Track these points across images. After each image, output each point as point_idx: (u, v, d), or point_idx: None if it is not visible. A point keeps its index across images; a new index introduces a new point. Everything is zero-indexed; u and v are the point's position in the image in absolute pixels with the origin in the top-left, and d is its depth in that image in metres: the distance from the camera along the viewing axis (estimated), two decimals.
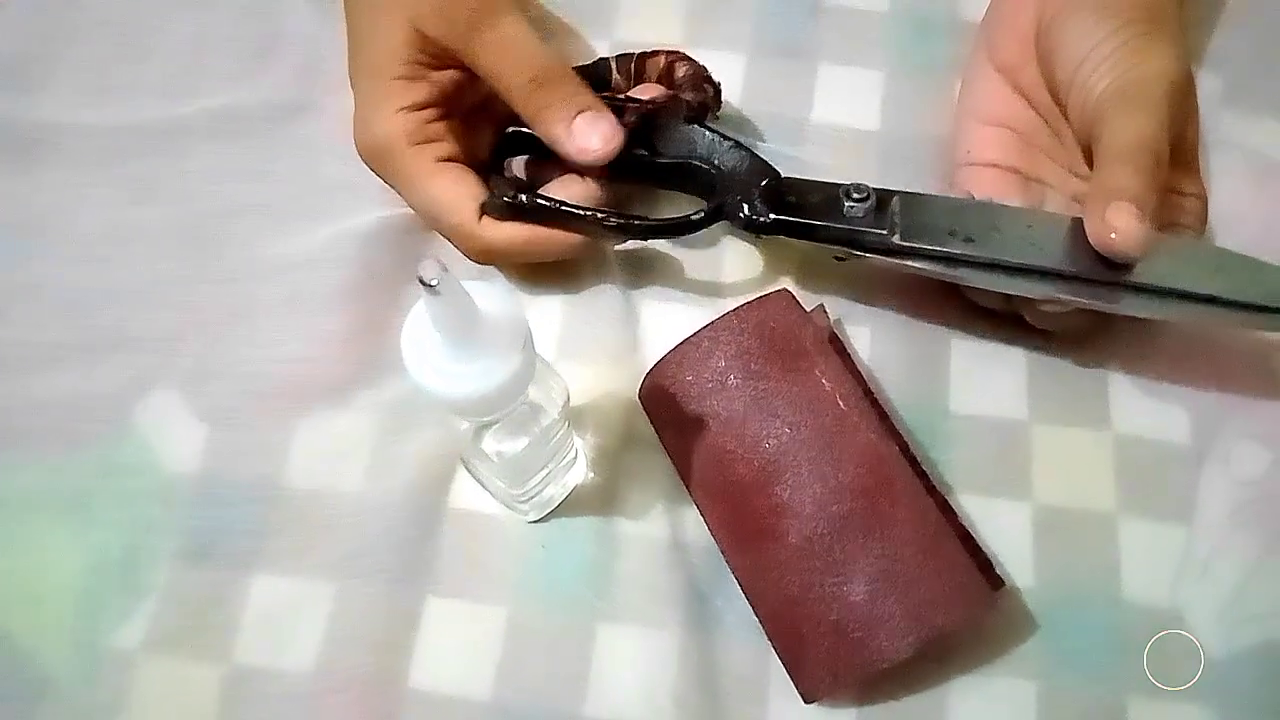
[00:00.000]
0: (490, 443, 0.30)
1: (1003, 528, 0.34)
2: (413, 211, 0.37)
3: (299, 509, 0.34)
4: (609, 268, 0.38)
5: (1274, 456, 0.35)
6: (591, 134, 0.33)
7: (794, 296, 0.34)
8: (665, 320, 0.37)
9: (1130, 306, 0.33)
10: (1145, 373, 0.37)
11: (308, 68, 0.42)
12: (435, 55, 0.34)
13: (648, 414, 0.35)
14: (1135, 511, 0.35)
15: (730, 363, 0.32)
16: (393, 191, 0.37)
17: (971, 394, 0.37)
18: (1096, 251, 0.32)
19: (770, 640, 0.32)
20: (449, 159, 0.35)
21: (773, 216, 0.34)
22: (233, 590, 0.33)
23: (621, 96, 0.37)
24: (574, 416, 0.35)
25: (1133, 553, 0.34)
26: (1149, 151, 0.31)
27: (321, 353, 0.37)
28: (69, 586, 0.34)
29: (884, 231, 0.33)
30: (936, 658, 0.32)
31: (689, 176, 0.37)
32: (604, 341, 0.37)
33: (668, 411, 0.34)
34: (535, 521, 0.34)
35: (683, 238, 0.37)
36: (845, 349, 0.35)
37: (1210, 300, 0.32)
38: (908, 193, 0.34)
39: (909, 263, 0.34)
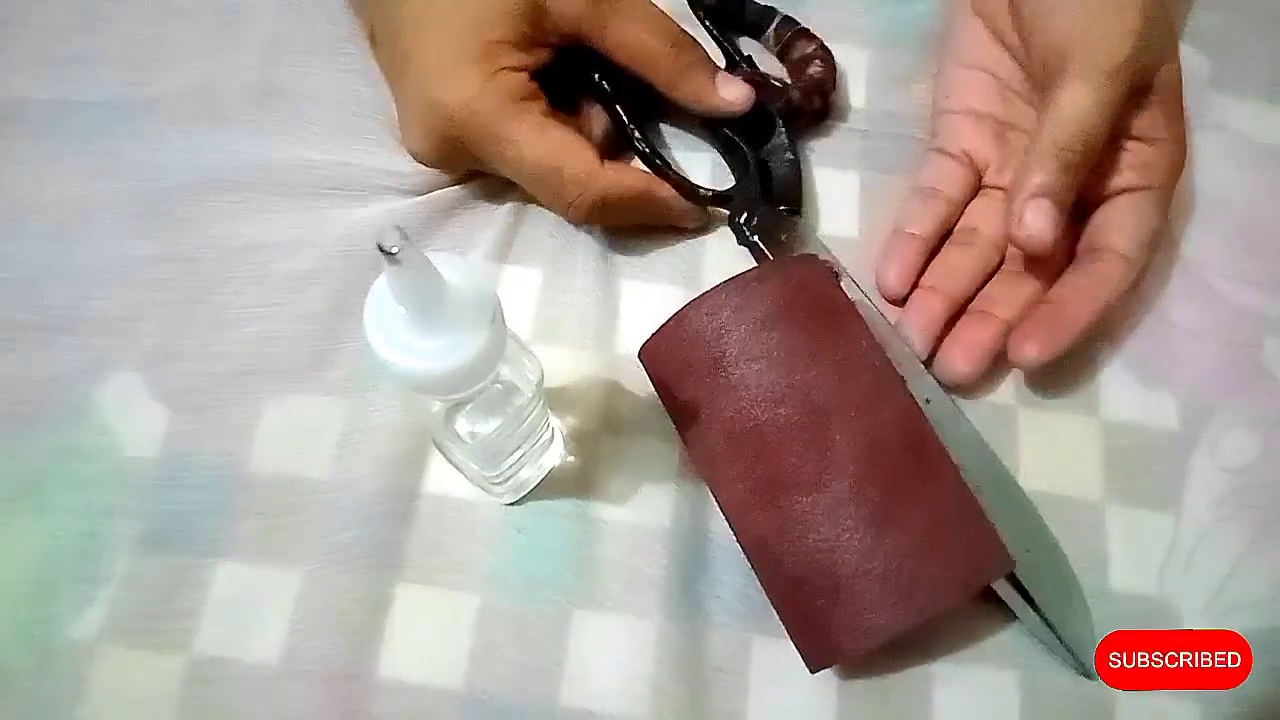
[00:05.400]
0: (463, 424, 0.29)
1: None
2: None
3: (264, 493, 0.33)
4: (589, 250, 0.38)
5: (1263, 444, 0.35)
6: (733, 89, 0.36)
7: (822, 260, 0.34)
8: (645, 303, 0.37)
9: None
10: (1134, 359, 0.36)
11: (272, 46, 0.41)
12: (544, 29, 0.34)
13: (652, 367, 0.34)
14: (1122, 499, 0.34)
15: (777, 305, 0.32)
16: (360, 174, 0.36)
17: None
18: None
19: (779, 604, 0.31)
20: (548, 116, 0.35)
21: (754, 240, 0.37)
22: (195, 577, 0.32)
23: (737, 57, 0.40)
24: (551, 398, 0.34)
25: (1119, 540, 0.34)
26: (1081, 142, 0.32)
27: (288, 333, 0.36)
28: (24, 575, 0.32)
29: None
30: (920, 645, 0.32)
31: (731, 151, 0.39)
32: (583, 323, 0.36)
33: (696, 353, 0.32)
34: (511, 504, 0.33)
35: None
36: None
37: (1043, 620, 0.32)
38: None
39: None
